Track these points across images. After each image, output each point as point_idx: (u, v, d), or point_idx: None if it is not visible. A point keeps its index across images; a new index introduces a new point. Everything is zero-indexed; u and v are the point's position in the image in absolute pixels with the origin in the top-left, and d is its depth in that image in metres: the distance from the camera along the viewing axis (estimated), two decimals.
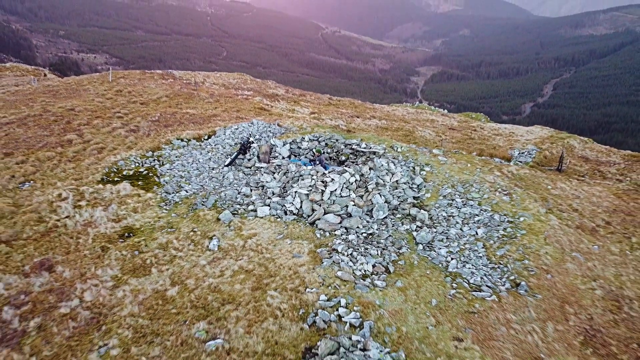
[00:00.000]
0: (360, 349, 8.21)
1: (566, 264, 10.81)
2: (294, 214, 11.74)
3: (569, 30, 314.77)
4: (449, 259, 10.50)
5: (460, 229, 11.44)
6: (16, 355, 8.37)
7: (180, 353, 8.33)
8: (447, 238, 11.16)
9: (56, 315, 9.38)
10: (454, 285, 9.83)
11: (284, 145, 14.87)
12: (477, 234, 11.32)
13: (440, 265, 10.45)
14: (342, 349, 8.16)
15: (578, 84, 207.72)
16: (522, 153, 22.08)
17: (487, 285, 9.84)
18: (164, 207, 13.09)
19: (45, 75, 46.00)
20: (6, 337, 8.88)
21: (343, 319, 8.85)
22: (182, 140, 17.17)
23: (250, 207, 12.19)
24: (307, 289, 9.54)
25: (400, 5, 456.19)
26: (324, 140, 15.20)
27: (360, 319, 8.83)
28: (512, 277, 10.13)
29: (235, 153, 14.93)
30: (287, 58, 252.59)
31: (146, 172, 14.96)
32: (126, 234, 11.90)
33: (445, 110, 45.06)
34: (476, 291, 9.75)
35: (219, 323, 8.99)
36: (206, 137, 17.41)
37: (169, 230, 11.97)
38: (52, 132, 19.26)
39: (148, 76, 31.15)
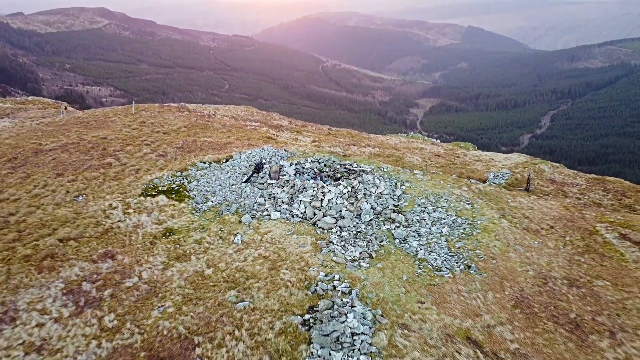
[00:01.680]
0: (349, 306, 11.68)
1: (509, 253, 14.38)
2: (299, 217, 15.44)
3: (565, 63, 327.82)
4: (418, 249, 14.09)
5: (429, 229, 15.09)
6: (99, 312, 11.87)
7: (218, 310, 11.81)
8: (418, 235, 14.79)
9: (123, 287, 12.90)
10: (421, 267, 13.38)
11: (291, 165, 18.73)
12: (442, 232, 14.96)
13: (411, 253, 14.04)
14: (335, 306, 11.65)
15: (575, 115, 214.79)
16: (497, 176, 25.95)
17: (446, 267, 13.38)
18: (195, 213, 16.79)
19: (65, 108, 50.87)
20: (89, 301, 12.38)
21: (337, 288, 12.37)
22: (204, 163, 21.11)
23: (265, 213, 15.90)
24: (310, 268, 13.09)
25: (399, 40, 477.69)
26: (323, 162, 19.09)
27: (350, 288, 12.35)
28: (465, 262, 13.68)
29: (251, 172, 18.80)
30: (288, 90, 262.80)
31: (177, 187, 18.78)
32: (168, 233, 15.54)
33: (438, 140, 49.48)
34: (437, 271, 13.28)
35: (245, 291, 12.50)
36: (225, 160, 21.36)
37: (201, 230, 15.61)
38: (92, 157, 23.26)
39: (166, 109, 35.67)
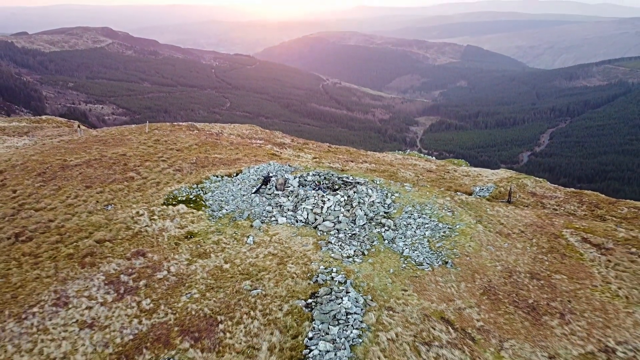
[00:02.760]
0: (345, 292, 14.33)
1: (482, 252, 17.08)
2: (302, 222, 18.21)
3: (563, 82, 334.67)
4: (404, 248, 16.81)
5: (414, 232, 17.84)
6: (137, 298, 14.53)
7: (236, 296, 14.47)
8: (404, 236, 17.53)
9: (155, 279, 15.58)
10: (405, 262, 16.07)
11: (295, 178, 21.58)
12: (425, 234, 17.71)
13: (398, 251, 16.75)
14: (333, 292, 14.31)
15: (574, 133, 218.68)
16: (482, 189, 28.78)
17: (426, 263, 16.07)
18: (212, 220, 19.55)
19: (79, 126, 54.23)
20: (127, 290, 15.05)
21: (334, 278, 15.05)
22: (217, 176, 23.99)
23: (273, 218, 18.68)
24: (312, 263, 15.78)
25: (399, 58, 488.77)
26: (323, 175, 21.91)
27: (345, 278, 15.02)
28: (443, 259, 16.37)
29: (260, 184, 21.65)
30: (289, 108, 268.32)
31: (195, 198, 21.60)
32: (189, 236, 18.28)
33: (433, 158, 52.46)
34: (419, 265, 15.96)
35: (258, 281, 15.17)
36: (235, 174, 24.26)
37: (218, 233, 18.35)
38: (115, 172, 26.17)
39: (177, 128, 38.83)
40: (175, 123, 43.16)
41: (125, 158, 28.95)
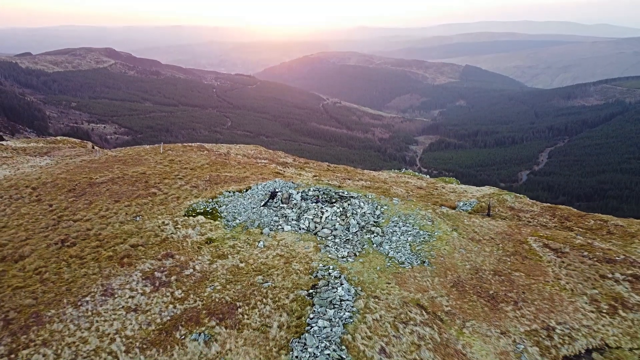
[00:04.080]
0: (339, 284, 17.90)
1: (454, 254, 20.71)
2: (304, 229, 21.90)
3: (561, 101, 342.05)
4: (389, 250, 20.47)
5: (399, 237, 21.51)
6: (170, 289, 18.10)
7: (251, 287, 18.04)
8: (390, 241, 21.20)
9: (183, 275, 19.18)
10: (390, 262, 19.69)
11: (297, 193, 25.34)
12: (407, 239, 21.38)
13: (384, 253, 20.38)
14: (330, 284, 17.90)
15: (572, 152, 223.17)
16: (465, 204, 32.52)
17: (407, 262, 19.68)
18: (227, 228, 23.22)
19: (93, 147, 58.47)
20: (162, 283, 18.62)
21: (331, 273, 18.64)
22: (229, 192, 27.79)
23: (279, 227, 22.39)
24: (313, 262, 19.39)
25: (398, 78, 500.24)
26: (322, 191, 25.67)
27: (340, 273, 18.62)
28: (422, 259, 19.98)
29: (267, 198, 25.41)
30: (289, 127, 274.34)
31: (211, 210, 25.32)
32: (209, 241, 21.92)
33: (427, 176, 56.31)
34: (401, 264, 19.57)
35: (268, 276, 18.76)
36: (245, 190, 28.06)
37: (233, 239, 22.00)
38: (138, 188, 29.98)
39: (189, 149, 42.90)
40: (187, 144, 47.29)
41: (145, 176, 32.80)
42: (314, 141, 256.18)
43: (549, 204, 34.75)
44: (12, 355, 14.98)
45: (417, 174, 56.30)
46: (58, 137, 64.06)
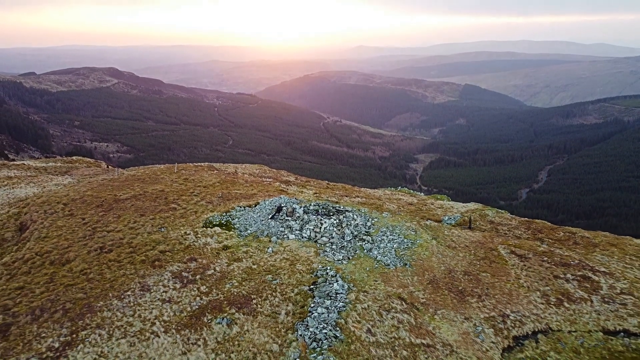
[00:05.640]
0: (335, 281, 22.17)
1: (432, 258, 25.00)
2: (306, 238, 26.27)
3: (560, 120, 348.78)
4: (377, 255, 24.79)
5: (386, 244, 25.86)
6: (196, 285, 22.38)
7: (262, 284, 22.32)
8: (379, 247, 25.54)
9: (206, 274, 23.46)
10: (377, 264, 23.98)
11: (300, 207, 29.79)
12: (393, 246, 25.71)
13: (373, 257, 24.69)
14: (327, 281, 22.17)
15: (571, 170, 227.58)
16: (450, 218, 36.88)
17: (392, 264, 23.98)
18: (240, 237, 27.56)
19: (108, 166, 63.29)
20: (189, 281, 22.89)
21: (328, 273, 22.93)
22: (240, 207, 32.24)
23: (285, 236, 26.76)
24: (313, 264, 23.68)
25: (398, 97, 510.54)
26: (321, 205, 30.10)
27: (336, 273, 22.91)
28: (404, 261, 24.26)
29: (274, 212, 29.84)
30: (290, 146, 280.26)
31: (225, 222, 29.71)
32: (225, 248, 26.24)
33: (422, 194, 60.71)
34: (387, 266, 23.86)
35: (277, 275, 23.04)
36: (254, 205, 32.51)
37: (246, 246, 26.32)
38: (159, 204, 34.45)
39: (200, 168, 47.60)
40: (197, 164, 52.05)
41: (164, 193, 37.34)
42: (315, 159, 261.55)
43: (526, 219, 39.06)
44: (74, 335, 19.17)
45: (411, 191, 60.73)
46: (74, 157, 68.94)
